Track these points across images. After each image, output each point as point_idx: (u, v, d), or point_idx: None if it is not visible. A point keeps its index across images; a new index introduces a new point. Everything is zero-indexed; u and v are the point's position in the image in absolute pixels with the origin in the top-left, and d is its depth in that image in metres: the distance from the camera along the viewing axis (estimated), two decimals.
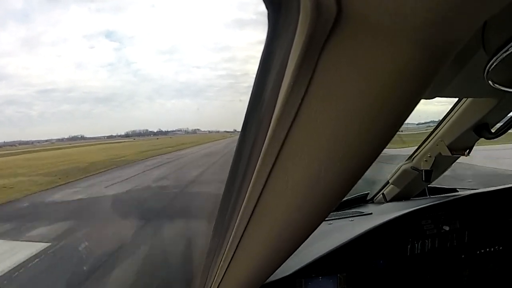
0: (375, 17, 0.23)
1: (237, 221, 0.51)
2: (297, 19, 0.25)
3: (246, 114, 0.39)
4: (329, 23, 0.24)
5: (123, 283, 3.29)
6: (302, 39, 0.25)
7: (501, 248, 1.29)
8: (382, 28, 0.23)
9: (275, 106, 0.32)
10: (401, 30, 0.23)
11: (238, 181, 0.47)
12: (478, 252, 1.27)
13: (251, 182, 0.42)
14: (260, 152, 0.37)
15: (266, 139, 0.36)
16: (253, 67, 0.34)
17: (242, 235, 0.52)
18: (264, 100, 0.35)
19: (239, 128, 0.41)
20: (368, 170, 0.35)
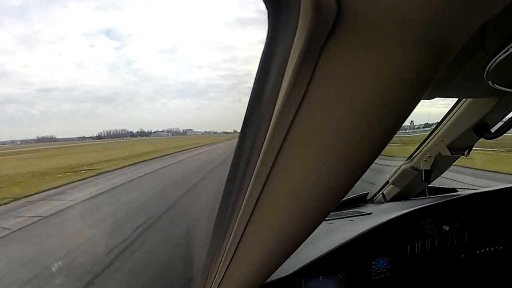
0: (375, 17, 0.23)
1: (237, 221, 0.51)
2: (297, 19, 0.25)
3: (246, 114, 0.39)
4: (329, 23, 0.24)
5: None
6: (302, 39, 0.25)
7: (501, 248, 1.29)
8: (382, 28, 0.23)
9: (275, 106, 0.32)
10: (401, 30, 0.23)
11: (238, 180, 0.47)
12: (478, 251, 1.27)
13: (251, 182, 0.42)
14: (260, 151, 0.37)
15: (266, 138, 0.36)
16: (255, 67, 0.34)
17: (242, 235, 0.52)
18: (264, 99, 0.35)
19: (239, 129, 0.41)
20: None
